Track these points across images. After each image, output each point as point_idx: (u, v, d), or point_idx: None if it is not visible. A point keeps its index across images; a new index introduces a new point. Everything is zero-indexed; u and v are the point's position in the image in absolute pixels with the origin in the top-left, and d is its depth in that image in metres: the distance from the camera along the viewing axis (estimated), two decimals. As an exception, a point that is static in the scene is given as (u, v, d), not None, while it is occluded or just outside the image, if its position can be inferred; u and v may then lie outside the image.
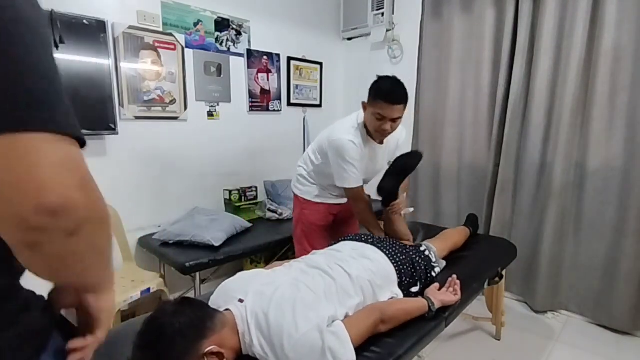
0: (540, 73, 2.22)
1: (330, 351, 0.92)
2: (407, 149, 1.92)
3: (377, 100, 1.56)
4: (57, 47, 1.77)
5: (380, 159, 1.82)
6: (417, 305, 1.25)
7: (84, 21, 1.86)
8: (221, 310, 1.02)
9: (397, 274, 1.36)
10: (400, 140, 1.86)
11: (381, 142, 1.75)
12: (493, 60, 2.45)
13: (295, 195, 1.98)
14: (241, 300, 1.04)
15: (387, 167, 1.82)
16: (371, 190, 2.98)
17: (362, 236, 1.55)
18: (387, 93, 1.55)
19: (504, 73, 2.37)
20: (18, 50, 0.37)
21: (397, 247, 1.47)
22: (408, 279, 1.39)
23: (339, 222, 2.01)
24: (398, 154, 1.81)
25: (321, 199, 1.90)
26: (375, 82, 1.62)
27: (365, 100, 1.65)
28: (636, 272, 2.01)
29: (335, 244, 1.56)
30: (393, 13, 2.98)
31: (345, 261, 1.28)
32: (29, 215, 0.37)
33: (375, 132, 1.64)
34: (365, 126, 1.70)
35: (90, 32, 1.89)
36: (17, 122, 0.37)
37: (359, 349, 1.01)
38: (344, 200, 1.90)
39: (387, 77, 1.63)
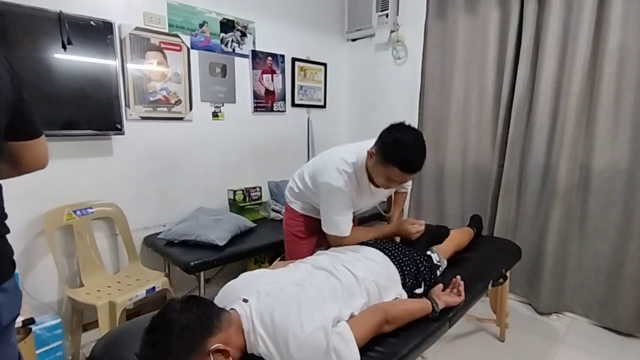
0: (545, 74, 2.21)
1: (335, 351, 0.92)
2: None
3: (392, 165, 1.29)
4: (64, 48, 1.79)
5: (381, 193, 1.64)
6: (421, 305, 1.25)
7: (92, 23, 1.88)
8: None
9: (400, 275, 1.36)
10: None
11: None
12: (497, 61, 2.44)
13: (286, 202, 1.83)
14: (245, 300, 1.05)
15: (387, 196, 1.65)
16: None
17: None
18: (407, 164, 1.28)
19: (509, 74, 2.36)
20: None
21: (400, 249, 1.46)
22: (411, 280, 1.39)
23: None
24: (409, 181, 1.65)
25: (308, 212, 1.72)
26: (393, 140, 1.29)
27: (373, 145, 1.37)
28: (641, 274, 2.00)
29: None
30: (397, 14, 2.99)
31: (351, 262, 1.28)
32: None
33: (379, 185, 1.45)
34: (367, 169, 1.46)
35: (98, 33, 1.91)
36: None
37: (364, 349, 1.01)
38: None
39: (408, 136, 1.29)
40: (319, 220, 1.64)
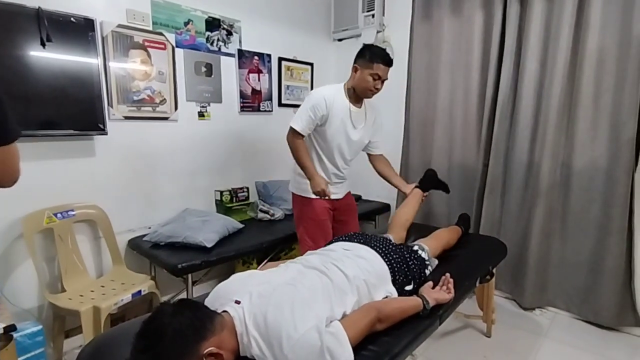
0: (528, 74, 2.27)
1: (329, 351, 0.92)
2: (386, 130, 2.21)
3: (374, 62, 1.76)
4: (43, 45, 1.73)
5: (359, 131, 1.92)
6: (412, 303, 1.26)
7: (72, 19, 1.82)
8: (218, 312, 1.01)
9: (391, 272, 1.38)
10: (377, 119, 2.02)
11: (359, 105, 1.91)
12: (482, 62, 2.49)
13: (293, 195, 2.02)
14: (237, 302, 1.03)
15: (366, 143, 2.01)
16: (365, 190, 2.97)
17: (354, 236, 1.56)
18: (384, 56, 1.78)
19: (492, 74, 2.41)
20: None
21: (391, 246, 1.48)
22: (402, 277, 1.41)
23: (340, 221, 2.05)
24: (377, 133, 2.05)
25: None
26: (367, 48, 1.82)
27: (357, 65, 1.81)
28: (620, 268, 2.07)
29: (328, 244, 1.57)
30: (383, 14, 3.01)
31: (341, 260, 1.28)
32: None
33: (367, 90, 1.82)
34: (349, 90, 1.86)
35: (78, 30, 1.85)
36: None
37: (357, 348, 1.01)
38: (341, 195, 2.00)
39: (374, 45, 1.91)
40: (329, 202, 1.93)
